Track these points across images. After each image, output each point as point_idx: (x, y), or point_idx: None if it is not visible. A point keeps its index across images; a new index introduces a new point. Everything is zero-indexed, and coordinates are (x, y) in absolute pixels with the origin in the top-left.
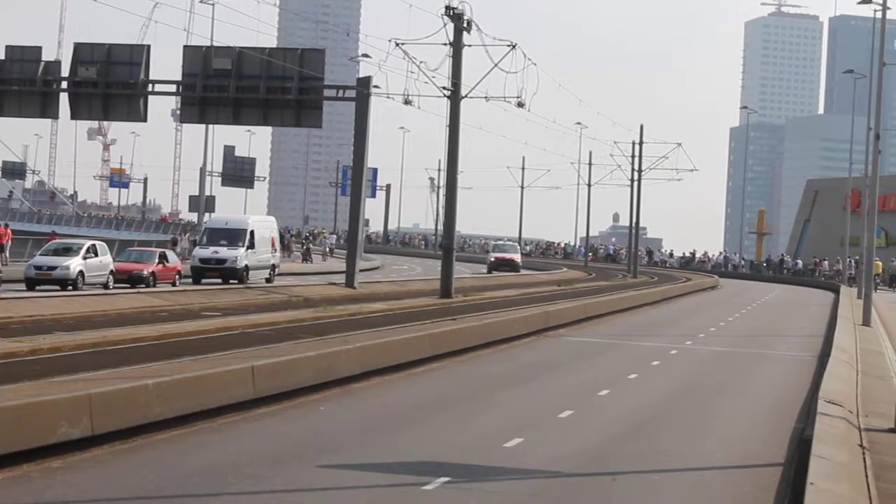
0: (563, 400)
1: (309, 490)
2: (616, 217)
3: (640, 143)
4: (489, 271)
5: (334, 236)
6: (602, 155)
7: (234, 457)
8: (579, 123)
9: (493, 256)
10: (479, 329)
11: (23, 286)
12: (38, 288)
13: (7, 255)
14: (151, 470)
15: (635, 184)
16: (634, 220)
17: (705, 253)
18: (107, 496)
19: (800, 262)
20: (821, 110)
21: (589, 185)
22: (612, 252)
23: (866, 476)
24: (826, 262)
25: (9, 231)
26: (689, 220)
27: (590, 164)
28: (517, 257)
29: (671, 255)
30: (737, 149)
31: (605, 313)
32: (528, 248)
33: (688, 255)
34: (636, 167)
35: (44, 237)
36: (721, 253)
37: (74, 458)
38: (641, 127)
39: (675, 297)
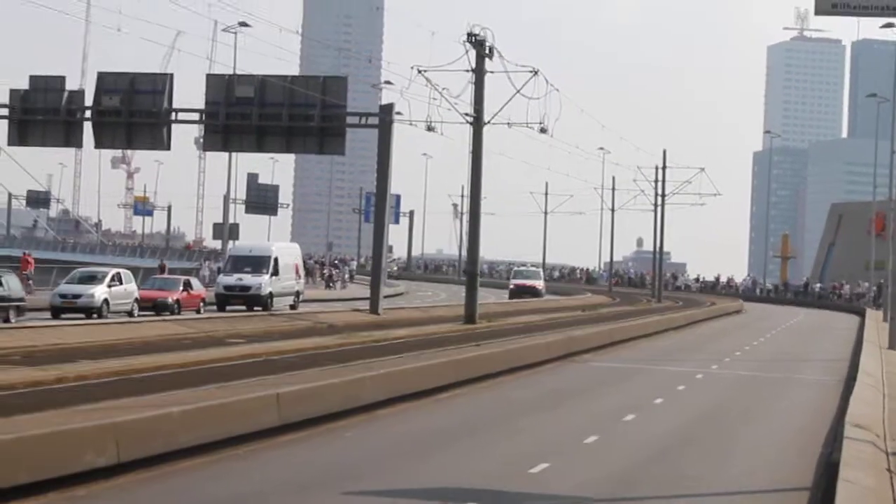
0: (588, 425)
1: None
2: (640, 242)
3: (664, 168)
4: (510, 298)
5: (354, 261)
6: (625, 180)
7: (260, 484)
8: (602, 148)
9: (513, 283)
10: (504, 355)
11: (48, 314)
12: (63, 316)
13: (31, 283)
14: (176, 498)
15: (659, 209)
16: (658, 244)
17: (730, 278)
18: None
19: (818, 285)
20: (844, 134)
21: (612, 210)
22: (631, 276)
23: (894, 500)
24: (847, 286)
25: (31, 259)
26: (713, 245)
27: (613, 189)
28: (539, 284)
29: (698, 279)
30: (760, 173)
31: (629, 338)
32: (556, 273)
33: (712, 279)
34: (660, 192)
35: (70, 265)
36: (749, 277)
37: (99, 487)
38: (664, 152)
39: (700, 322)
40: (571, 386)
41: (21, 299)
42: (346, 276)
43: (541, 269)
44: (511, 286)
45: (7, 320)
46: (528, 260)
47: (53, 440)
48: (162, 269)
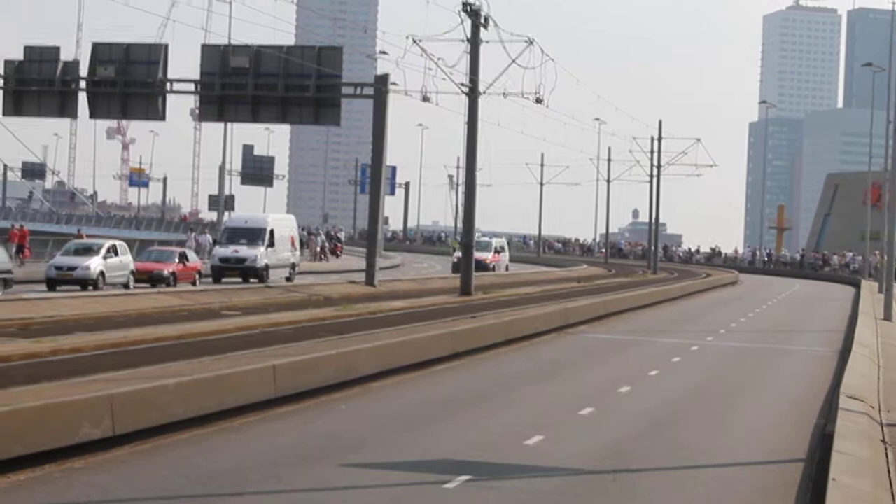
0: (583, 397)
1: (331, 489)
2: (636, 213)
3: (659, 139)
4: (453, 272)
5: (342, 233)
6: (621, 151)
7: (256, 456)
8: (598, 119)
9: (456, 256)
10: (500, 326)
11: (44, 287)
12: (58, 288)
13: (22, 256)
14: (173, 470)
15: (654, 179)
16: (654, 215)
17: (735, 250)
18: (129, 496)
19: (797, 255)
20: (840, 104)
21: (608, 181)
22: (621, 248)
23: (889, 471)
24: (836, 257)
25: (26, 231)
26: (709, 216)
27: (609, 159)
28: (489, 257)
29: (698, 250)
30: (756, 144)
31: (625, 310)
32: (558, 244)
33: (709, 250)
34: (655, 163)
35: (65, 237)
36: (748, 248)
37: (96, 459)
38: (660, 122)
39: (696, 293)
40: (567, 357)
41: (8, 271)
42: (318, 247)
43: (498, 240)
44: (454, 259)
45: None
46: (523, 232)
47: (49, 412)
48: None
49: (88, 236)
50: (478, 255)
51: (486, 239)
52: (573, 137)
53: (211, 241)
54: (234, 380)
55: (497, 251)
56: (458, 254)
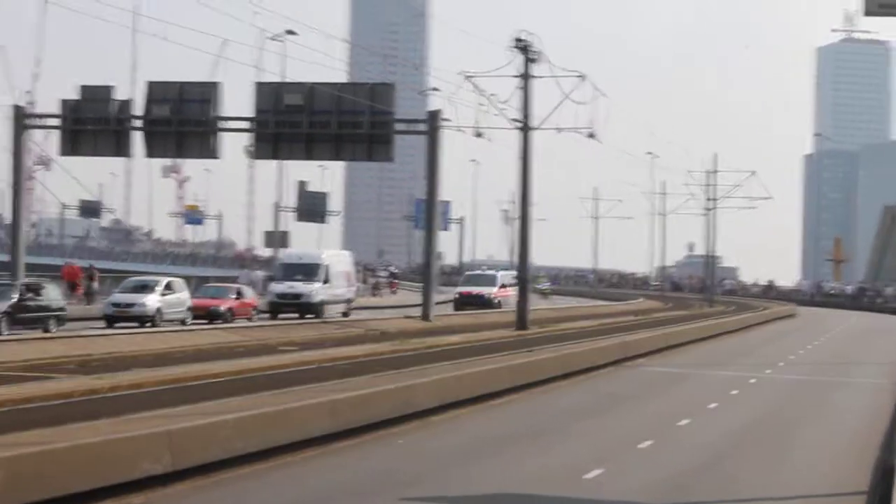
0: (642, 430)
1: None
2: (691, 246)
3: (714, 172)
4: (455, 309)
5: (392, 267)
6: (675, 184)
7: (315, 491)
8: (651, 153)
9: (457, 291)
10: (557, 360)
11: (102, 323)
12: (116, 325)
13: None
14: None
15: (710, 213)
16: (710, 249)
17: (799, 282)
18: None
19: (849, 288)
20: (895, 136)
21: (663, 215)
22: (675, 281)
23: None
24: (890, 289)
25: (77, 268)
26: (765, 249)
27: (663, 193)
28: (492, 292)
29: (755, 284)
30: (811, 176)
31: (682, 343)
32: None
33: (764, 283)
34: (710, 196)
35: (123, 274)
36: (806, 281)
37: (156, 494)
38: (715, 156)
39: (753, 326)
40: (625, 391)
41: (61, 308)
42: (376, 282)
43: (506, 273)
44: (455, 295)
45: (47, 330)
46: (577, 266)
47: (109, 448)
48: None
49: (144, 273)
50: (476, 290)
51: (492, 272)
52: (626, 171)
53: (263, 277)
54: (292, 415)
55: (504, 285)
56: (462, 288)
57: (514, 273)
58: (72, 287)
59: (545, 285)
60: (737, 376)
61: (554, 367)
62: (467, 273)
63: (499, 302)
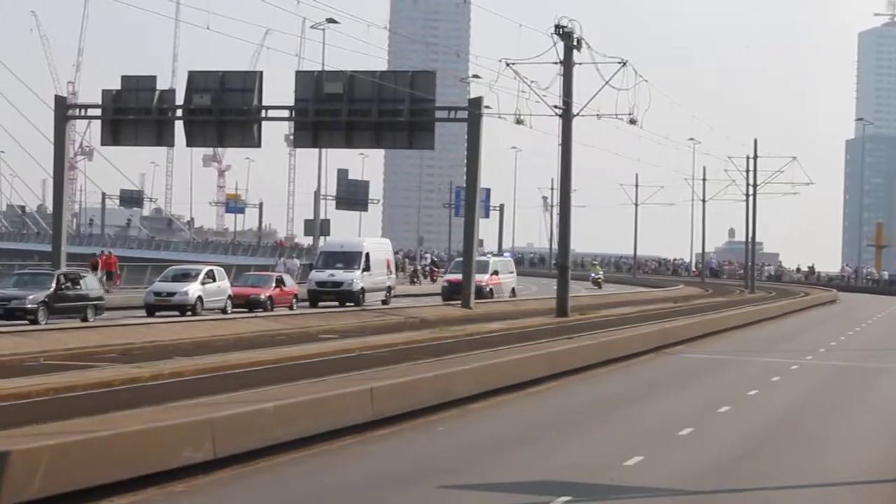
0: (682, 417)
1: None
2: (731, 232)
3: (755, 158)
4: (444, 300)
5: (428, 255)
6: (716, 170)
7: (356, 478)
8: (692, 139)
9: (446, 279)
10: (597, 347)
11: (143, 312)
12: (157, 314)
13: (107, 281)
14: (274, 493)
15: (750, 198)
16: (750, 235)
17: (843, 268)
18: None
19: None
20: None
21: (704, 201)
22: (714, 267)
23: None
24: None
25: (113, 258)
26: (806, 234)
27: (704, 179)
28: (489, 280)
29: (798, 269)
30: (853, 161)
31: (723, 329)
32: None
33: (805, 269)
34: (751, 182)
35: (163, 263)
36: (849, 266)
37: (197, 482)
38: (755, 141)
39: (794, 312)
40: (665, 378)
41: (99, 298)
42: (414, 269)
43: (501, 260)
44: (444, 283)
45: (85, 319)
46: (618, 253)
47: (151, 436)
48: (94, 265)
49: (185, 262)
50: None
51: (485, 258)
52: (667, 157)
53: (299, 265)
54: (332, 403)
55: (496, 272)
56: (450, 275)
57: (508, 258)
58: (108, 276)
59: (599, 275)
60: (778, 363)
61: (594, 355)
62: (455, 259)
63: (490, 290)
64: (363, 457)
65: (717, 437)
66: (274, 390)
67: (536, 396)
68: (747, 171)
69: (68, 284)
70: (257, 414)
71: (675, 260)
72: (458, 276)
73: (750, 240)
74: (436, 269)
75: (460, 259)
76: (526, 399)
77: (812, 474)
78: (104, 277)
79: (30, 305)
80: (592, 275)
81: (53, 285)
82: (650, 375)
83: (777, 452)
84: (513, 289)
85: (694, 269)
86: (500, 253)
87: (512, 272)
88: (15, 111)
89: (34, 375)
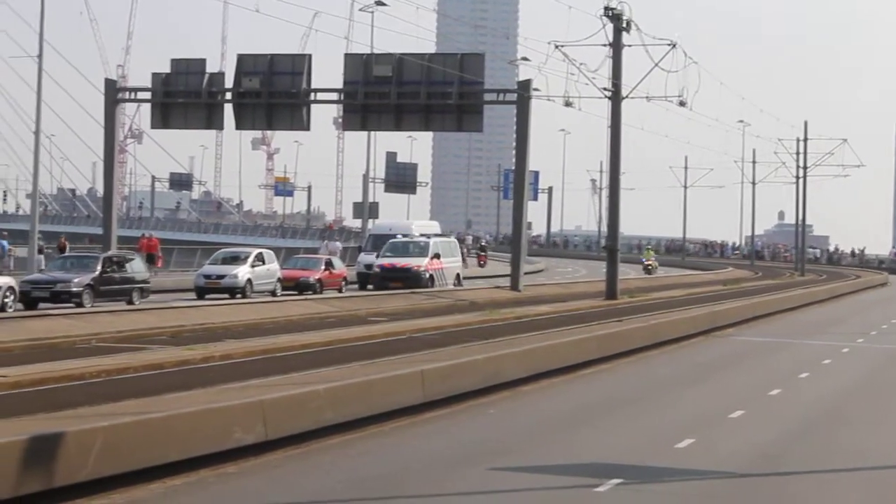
0: (733, 400)
1: (482, 493)
2: (781, 215)
3: (805, 140)
4: (375, 288)
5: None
6: (766, 152)
7: (406, 460)
8: (742, 121)
9: (378, 264)
10: (647, 330)
11: (192, 295)
12: (207, 296)
13: (157, 264)
14: (325, 474)
15: (800, 181)
16: (800, 217)
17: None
18: (283, 500)
19: None
20: None
21: (753, 184)
22: (758, 250)
23: None
24: None
25: (155, 241)
26: (857, 216)
27: (753, 161)
28: (428, 264)
29: (853, 252)
30: None
31: (773, 312)
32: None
33: (856, 251)
34: (801, 164)
35: (213, 246)
36: None
37: (249, 464)
38: (805, 123)
39: (845, 295)
40: (715, 360)
41: (145, 281)
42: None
43: (444, 241)
44: (375, 268)
45: (131, 302)
46: (666, 236)
47: (203, 418)
48: (61, 248)
49: (234, 245)
50: (403, 261)
51: (424, 239)
52: (717, 140)
53: (340, 247)
54: (383, 385)
55: (437, 255)
56: (384, 259)
57: (452, 239)
58: (150, 259)
59: (651, 261)
60: (828, 346)
61: (643, 337)
62: (390, 241)
63: (430, 276)
64: (414, 439)
65: (768, 420)
66: (325, 372)
67: (586, 379)
68: (797, 153)
69: (114, 267)
70: (308, 396)
71: (721, 242)
72: (393, 261)
73: (800, 222)
74: (482, 255)
75: (395, 240)
76: (576, 381)
77: (863, 458)
78: (146, 260)
79: (75, 288)
80: (644, 260)
81: (99, 268)
82: (700, 358)
83: (828, 435)
84: (458, 275)
85: (738, 251)
86: (466, 234)
87: (456, 256)
88: (65, 95)
89: (87, 357)
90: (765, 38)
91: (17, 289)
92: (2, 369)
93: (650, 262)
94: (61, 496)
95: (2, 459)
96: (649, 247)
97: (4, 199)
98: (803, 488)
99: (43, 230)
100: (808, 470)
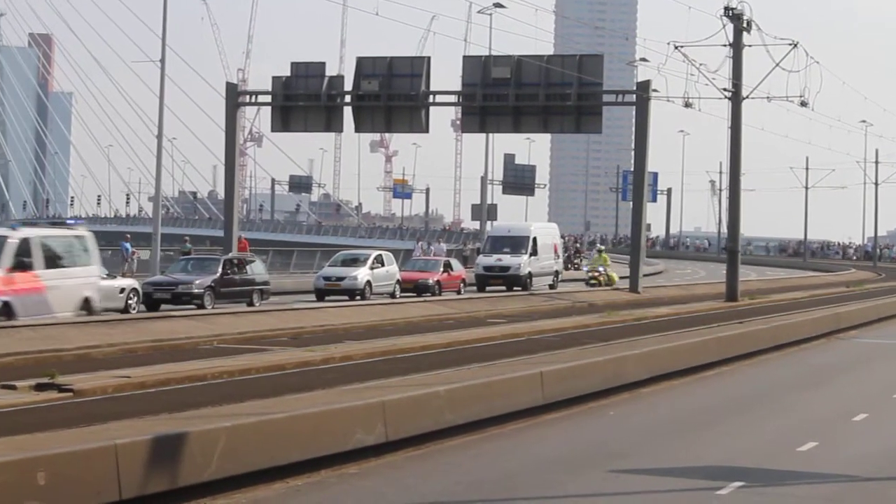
0: (857, 403)
1: (601, 495)
2: None
3: None
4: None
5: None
6: (890, 153)
7: (526, 462)
8: (864, 121)
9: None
10: (768, 332)
11: (312, 297)
12: (327, 298)
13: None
14: (445, 475)
15: None
16: None
17: None
18: (404, 501)
19: None
20: None
21: (876, 184)
22: (868, 251)
23: None
24: None
25: (245, 242)
26: None
27: (876, 161)
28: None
29: None
30: None
31: None
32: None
33: None
34: None
35: (332, 249)
36: None
37: (370, 465)
38: None
39: None
40: (838, 363)
41: (265, 283)
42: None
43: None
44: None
45: (251, 304)
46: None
47: (324, 419)
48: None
49: (353, 247)
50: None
51: (360, 251)
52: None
53: (445, 250)
54: (502, 386)
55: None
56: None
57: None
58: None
59: (602, 270)
60: None
61: (765, 339)
62: (340, 253)
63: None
64: (533, 441)
65: (894, 423)
66: (445, 374)
67: (707, 381)
68: None
69: (234, 269)
70: (429, 397)
71: (846, 244)
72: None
73: None
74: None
75: (348, 252)
76: (696, 384)
77: None
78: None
79: (196, 290)
80: (587, 270)
81: (220, 270)
82: (823, 360)
83: None
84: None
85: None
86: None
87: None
88: (187, 99)
89: (209, 358)
90: (889, 35)
91: (140, 290)
92: (126, 370)
93: (595, 273)
94: (186, 495)
95: (127, 459)
96: (601, 248)
97: (128, 202)
98: None
99: (165, 233)
100: None
